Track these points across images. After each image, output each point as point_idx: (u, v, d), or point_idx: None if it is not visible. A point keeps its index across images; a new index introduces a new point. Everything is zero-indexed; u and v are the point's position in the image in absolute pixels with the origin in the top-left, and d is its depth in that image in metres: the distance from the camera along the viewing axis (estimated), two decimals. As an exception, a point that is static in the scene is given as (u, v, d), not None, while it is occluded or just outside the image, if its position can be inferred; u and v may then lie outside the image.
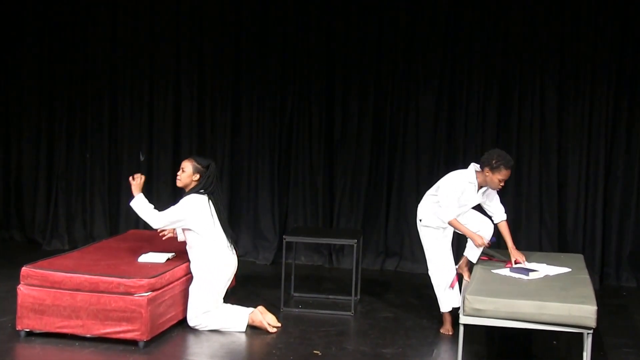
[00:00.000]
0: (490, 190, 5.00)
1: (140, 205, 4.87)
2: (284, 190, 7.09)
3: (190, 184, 4.94)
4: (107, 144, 7.34)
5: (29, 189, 7.52)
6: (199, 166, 4.92)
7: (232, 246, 5.01)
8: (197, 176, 4.91)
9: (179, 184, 4.98)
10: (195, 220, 4.83)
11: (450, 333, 4.97)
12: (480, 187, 4.95)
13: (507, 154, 4.87)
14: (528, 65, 6.54)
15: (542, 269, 4.80)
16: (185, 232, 4.93)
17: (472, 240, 4.88)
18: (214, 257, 4.90)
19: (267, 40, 6.99)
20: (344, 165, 6.96)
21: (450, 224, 4.89)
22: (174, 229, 5.12)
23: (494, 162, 4.79)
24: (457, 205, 4.88)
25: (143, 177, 4.95)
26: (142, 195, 4.90)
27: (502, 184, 4.86)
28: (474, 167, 4.95)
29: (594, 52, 6.42)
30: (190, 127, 7.19)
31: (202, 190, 4.89)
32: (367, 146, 6.90)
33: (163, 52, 7.18)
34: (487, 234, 5.01)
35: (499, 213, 5.09)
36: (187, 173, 4.92)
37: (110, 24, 7.24)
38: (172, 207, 4.88)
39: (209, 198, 4.89)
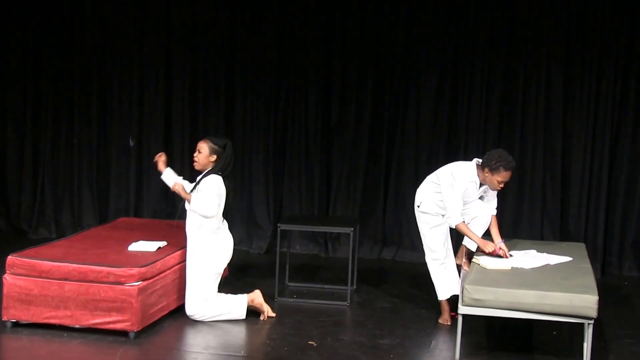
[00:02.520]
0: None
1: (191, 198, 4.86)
2: (279, 177, 7.09)
3: (207, 165, 4.92)
4: (95, 129, 7.31)
5: (14, 175, 7.50)
6: (215, 147, 4.91)
7: (229, 232, 5.05)
8: (214, 157, 4.91)
9: (197, 166, 4.95)
10: (221, 200, 4.89)
11: (449, 323, 5.00)
12: (481, 184, 4.97)
13: (509, 155, 4.85)
14: (533, 50, 6.53)
15: (542, 258, 4.83)
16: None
17: (482, 247, 4.84)
18: (219, 241, 4.92)
19: (262, 23, 6.95)
20: (341, 151, 6.96)
21: (457, 228, 4.88)
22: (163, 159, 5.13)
23: (494, 162, 4.79)
24: (462, 207, 4.89)
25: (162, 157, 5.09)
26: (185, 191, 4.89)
27: (501, 185, 4.85)
28: (476, 162, 4.95)
29: (601, 39, 6.42)
30: (182, 113, 7.17)
31: (219, 172, 4.90)
32: (365, 132, 6.89)
33: (154, 36, 7.13)
34: (485, 221, 5.03)
35: (490, 207, 5.08)
36: (204, 154, 4.91)
37: (100, 8, 7.18)
38: (208, 194, 4.81)
39: (224, 180, 4.90)
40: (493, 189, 4.94)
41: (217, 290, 5.00)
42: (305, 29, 6.90)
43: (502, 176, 4.80)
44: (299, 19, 6.90)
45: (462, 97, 6.70)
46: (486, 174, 4.85)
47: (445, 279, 5.06)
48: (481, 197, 5.10)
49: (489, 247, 4.81)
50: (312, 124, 6.97)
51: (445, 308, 5.08)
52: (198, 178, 4.96)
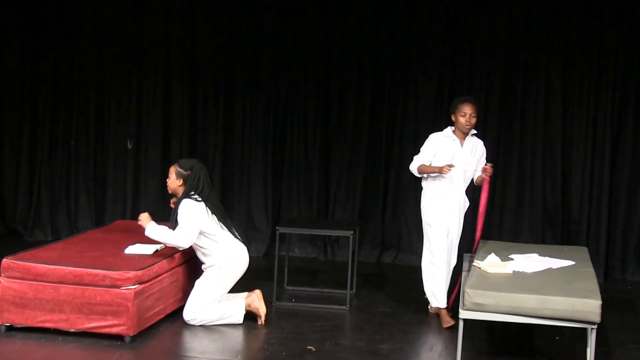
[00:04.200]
0: (478, 154, 5.13)
1: (156, 231, 4.84)
2: (278, 179, 7.07)
3: (177, 189, 4.97)
4: (92, 130, 7.28)
5: (10, 176, 7.46)
6: (181, 170, 4.95)
7: (242, 244, 5.05)
8: (181, 181, 4.94)
9: (168, 190, 5.04)
10: (204, 221, 4.86)
11: (452, 323, 4.94)
12: (463, 139, 5.05)
13: (463, 96, 5.24)
14: (532, 54, 6.52)
15: (544, 262, 4.81)
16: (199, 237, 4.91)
17: (441, 171, 4.93)
18: (229, 257, 4.93)
19: (261, 26, 6.94)
20: (339, 154, 6.95)
21: (419, 170, 5.03)
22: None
23: (451, 107, 5.09)
24: (430, 159, 5.04)
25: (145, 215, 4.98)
26: (152, 222, 4.87)
27: (467, 120, 4.98)
28: (450, 127, 5.12)
29: (601, 39, 6.41)
30: (181, 114, 7.14)
31: (195, 196, 4.88)
32: (364, 134, 6.88)
33: (153, 38, 7.11)
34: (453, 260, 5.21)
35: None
36: (171, 179, 4.99)
37: (99, 10, 7.16)
38: (181, 221, 4.81)
39: (206, 205, 4.89)
40: (464, 129, 5.01)
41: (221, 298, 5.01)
42: (304, 33, 6.89)
43: (461, 110, 4.99)
44: (298, 22, 6.89)
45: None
46: (454, 120, 5.04)
47: (435, 288, 5.04)
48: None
49: (446, 169, 4.90)
50: (310, 127, 6.96)
51: (444, 312, 5.06)
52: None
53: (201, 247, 4.94)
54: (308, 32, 6.89)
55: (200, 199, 4.88)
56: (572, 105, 6.54)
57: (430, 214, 5.07)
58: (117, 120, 7.26)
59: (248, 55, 7.00)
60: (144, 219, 4.90)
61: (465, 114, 4.99)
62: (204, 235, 4.89)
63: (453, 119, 5.06)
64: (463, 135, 5.07)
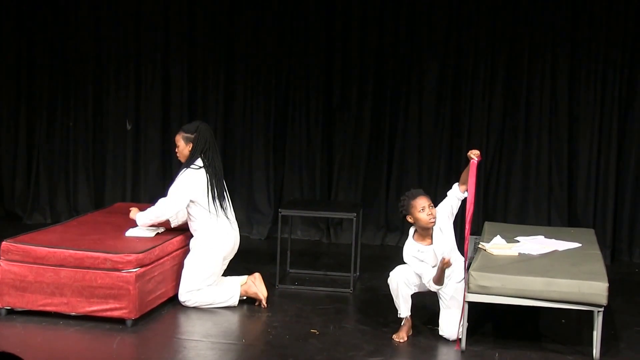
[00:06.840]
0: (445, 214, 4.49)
1: (143, 216, 4.95)
2: (280, 161, 7.07)
3: (188, 155, 4.97)
4: (91, 111, 7.27)
5: (7, 158, 7.47)
6: (188, 135, 4.94)
7: (233, 223, 5.04)
8: (191, 145, 4.93)
9: (181, 159, 5.01)
10: (199, 193, 4.86)
11: (401, 341, 4.48)
12: (430, 238, 4.45)
13: (408, 192, 4.53)
14: (538, 33, 6.48)
15: (550, 244, 4.82)
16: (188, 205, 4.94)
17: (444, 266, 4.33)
18: (214, 232, 4.92)
19: (263, 5, 6.90)
20: (343, 135, 6.94)
21: (434, 283, 4.42)
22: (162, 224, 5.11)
23: (402, 207, 4.46)
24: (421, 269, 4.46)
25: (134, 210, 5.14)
26: (139, 213, 5.00)
27: (429, 212, 4.37)
28: (411, 232, 4.55)
29: (608, 19, 6.36)
30: (181, 97, 7.12)
31: (197, 163, 4.88)
32: (367, 115, 6.86)
33: (151, 16, 7.08)
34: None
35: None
36: (180, 147, 4.97)
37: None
38: (172, 189, 4.87)
39: (207, 172, 4.89)
40: (426, 224, 4.40)
41: (217, 280, 5.01)
42: (306, 11, 6.84)
43: (417, 205, 4.37)
44: (299, 1, 6.84)
45: (465, 80, 6.66)
46: (412, 220, 4.44)
47: (406, 294, 4.53)
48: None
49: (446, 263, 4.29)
50: (313, 108, 6.94)
51: (407, 324, 4.54)
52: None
53: (191, 214, 4.94)
54: (310, 12, 6.84)
55: (201, 164, 4.88)
56: (578, 85, 6.51)
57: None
58: (115, 101, 7.24)
59: (249, 36, 6.97)
60: (133, 214, 5.02)
61: (424, 207, 4.35)
62: (196, 204, 4.89)
63: (410, 220, 4.41)
64: (428, 233, 4.43)
